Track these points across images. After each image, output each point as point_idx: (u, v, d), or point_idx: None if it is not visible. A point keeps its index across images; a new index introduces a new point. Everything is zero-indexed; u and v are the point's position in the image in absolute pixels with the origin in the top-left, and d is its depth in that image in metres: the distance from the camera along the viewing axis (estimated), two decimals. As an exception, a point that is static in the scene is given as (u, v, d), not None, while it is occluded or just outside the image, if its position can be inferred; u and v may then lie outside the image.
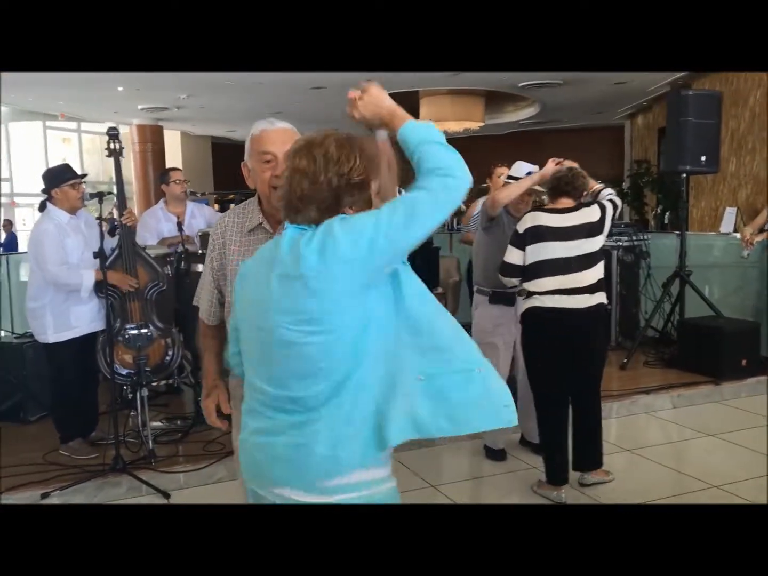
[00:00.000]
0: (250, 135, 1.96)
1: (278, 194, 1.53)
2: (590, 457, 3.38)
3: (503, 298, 3.69)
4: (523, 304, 3.31)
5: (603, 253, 3.33)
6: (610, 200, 3.38)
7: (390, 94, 1.56)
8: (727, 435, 4.17)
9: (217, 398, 1.94)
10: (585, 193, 3.37)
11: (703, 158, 5.35)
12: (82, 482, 3.37)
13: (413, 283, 1.43)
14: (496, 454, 3.86)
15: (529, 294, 3.27)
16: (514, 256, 3.28)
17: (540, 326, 3.24)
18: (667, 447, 4.13)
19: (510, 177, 3.80)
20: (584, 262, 3.21)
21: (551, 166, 3.44)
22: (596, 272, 3.25)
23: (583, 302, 3.19)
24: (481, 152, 13.78)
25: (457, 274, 6.71)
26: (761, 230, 5.49)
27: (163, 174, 4.79)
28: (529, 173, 3.64)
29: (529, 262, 3.24)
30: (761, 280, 5.68)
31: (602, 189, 3.49)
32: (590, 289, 3.21)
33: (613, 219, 3.35)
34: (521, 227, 3.29)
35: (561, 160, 3.46)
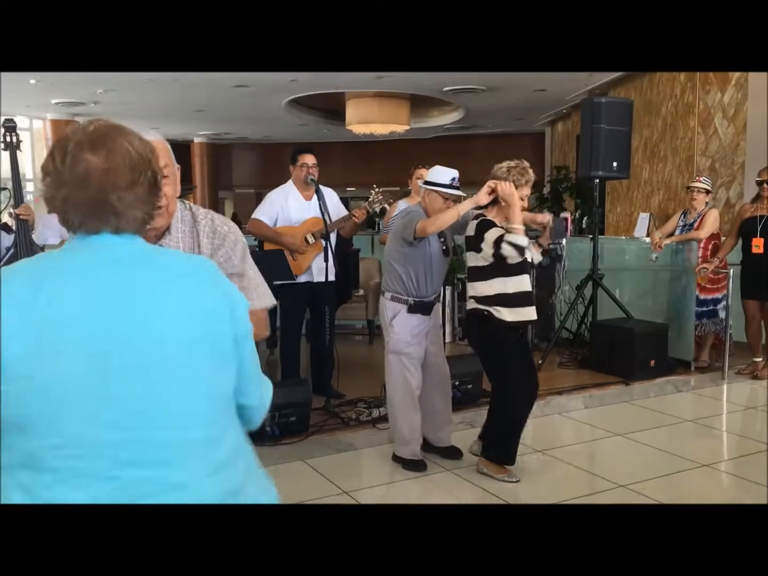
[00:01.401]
0: None
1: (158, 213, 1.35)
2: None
3: (422, 307, 3.65)
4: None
5: (488, 269, 3.41)
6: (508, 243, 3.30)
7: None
8: (636, 435, 4.28)
9: None
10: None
11: (615, 164, 5.50)
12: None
13: None
14: (416, 465, 3.71)
15: None
16: None
17: None
18: (578, 447, 4.20)
19: (429, 183, 3.60)
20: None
21: (485, 193, 3.37)
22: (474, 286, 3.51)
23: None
24: (407, 155, 13.92)
25: (378, 275, 6.70)
26: (670, 235, 5.70)
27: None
28: (453, 179, 3.55)
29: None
30: (669, 283, 5.88)
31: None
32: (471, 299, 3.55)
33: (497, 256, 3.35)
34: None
35: (495, 185, 3.37)
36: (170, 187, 1.67)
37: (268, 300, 1.90)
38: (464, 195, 3.63)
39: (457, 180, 3.57)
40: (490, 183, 3.35)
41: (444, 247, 3.68)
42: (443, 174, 3.57)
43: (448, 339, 5.86)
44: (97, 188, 1.13)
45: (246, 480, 1.27)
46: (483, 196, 3.35)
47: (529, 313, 3.50)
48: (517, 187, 3.33)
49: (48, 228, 4.38)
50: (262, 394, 1.33)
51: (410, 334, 3.65)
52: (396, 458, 3.77)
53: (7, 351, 1.06)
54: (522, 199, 3.38)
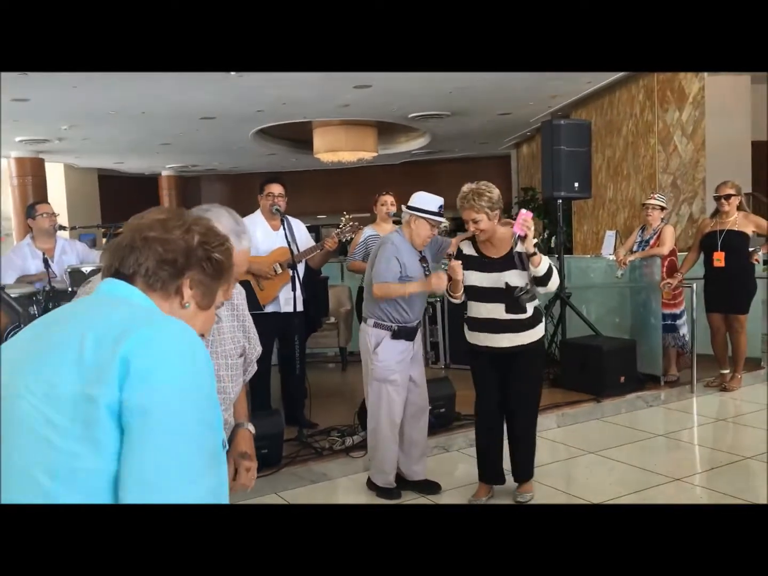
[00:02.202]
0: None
1: None
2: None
3: (406, 332, 3.61)
4: (542, 321, 3.57)
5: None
6: None
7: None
8: (608, 452, 4.31)
9: None
10: None
11: (576, 184, 5.59)
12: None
13: None
14: (390, 493, 3.70)
15: (541, 314, 3.61)
16: None
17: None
18: (553, 467, 4.21)
19: (415, 209, 3.52)
20: None
21: (456, 243, 3.57)
22: None
23: None
24: (376, 182, 13.99)
25: (349, 302, 6.69)
26: (632, 252, 5.79)
27: (29, 208, 4.54)
28: (440, 207, 3.52)
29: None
30: (635, 299, 5.96)
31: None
32: None
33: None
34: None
35: (470, 235, 3.46)
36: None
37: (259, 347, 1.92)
38: (447, 223, 3.70)
39: (442, 207, 3.56)
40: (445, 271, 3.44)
41: (427, 272, 3.60)
42: (430, 201, 3.52)
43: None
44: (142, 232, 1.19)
45: None
46: (441, 284, 3.42)
47: (487, 339, 3.47)
48: (476, 211, 3.32)
49: (10, 268, 4.32)
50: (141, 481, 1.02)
51: (395, 360, 3.59)
52: (370, 484, 3.76)
53: None
54: (476, 222, 3.33)
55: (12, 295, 3.59)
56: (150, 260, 1.16)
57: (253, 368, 1.87)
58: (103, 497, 1.02)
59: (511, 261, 3.34)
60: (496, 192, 3.36)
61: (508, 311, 3.39)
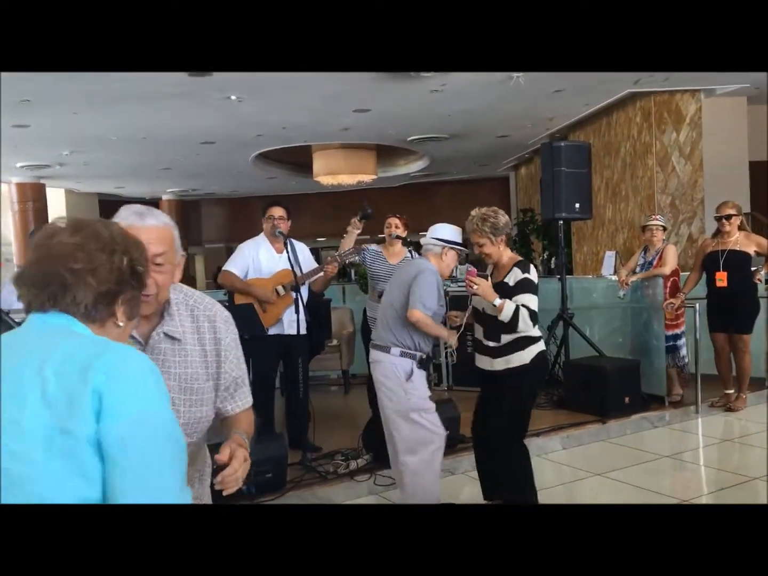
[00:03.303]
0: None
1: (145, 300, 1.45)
2: None
3: (427, 362, 3.58)
4: (532, 349, 3.42)
5: None
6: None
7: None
8: (614, 473, 4.28)
9: None
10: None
11: (577, 205, 5.62)
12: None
13: None
14: None
15: (535, 339, 3.44)
16: (536, 305, 3.39)
17: (546, 368, 3.62)
18: (558, 489, 4.18)
19: (447, 240, 3.55)
20: None
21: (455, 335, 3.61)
22: None
23: None
24: (376, 204, 14.00)
25: (351, 325, 6.68)
26: (634, 272, 5.80)
27: (31, 234, 4.55)
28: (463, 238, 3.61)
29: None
30: (638, 319, 5.96)
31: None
32: None
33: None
34: (534, 279, 3.40)
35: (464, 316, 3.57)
36: (165, 275, 1.63)
37: (250, 398, 1.89)
38: (468, 251, 3.81)
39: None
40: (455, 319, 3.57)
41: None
42: (455, 233, 3.59)
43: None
44: (53, 262, 1.13)
45: None
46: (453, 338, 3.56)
47: (476, 358, 3.59)
48: (479, 236, 3.41)
49: (13, 293, 4.33)
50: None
51: (425, 387, 3.54)
52: None
53: None
54: (480, 246, 3.42)
55: (17, 321, 3.58)
56: (87, 297, 1.15)
57: (243, 398, 1.83)
58: None
59: (498, 288, 3.37)
60: (502, 218, 3.43)
61: (484, 336, 3.50)
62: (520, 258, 3.53)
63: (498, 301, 3.29)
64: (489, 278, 3.42)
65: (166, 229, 1.65)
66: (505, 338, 3.39)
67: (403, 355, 3.47)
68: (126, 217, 1.62)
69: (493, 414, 3.51)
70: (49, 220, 10.64)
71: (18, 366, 1.08)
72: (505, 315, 3.29)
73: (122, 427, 1.05)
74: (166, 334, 1.67)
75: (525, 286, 3.35)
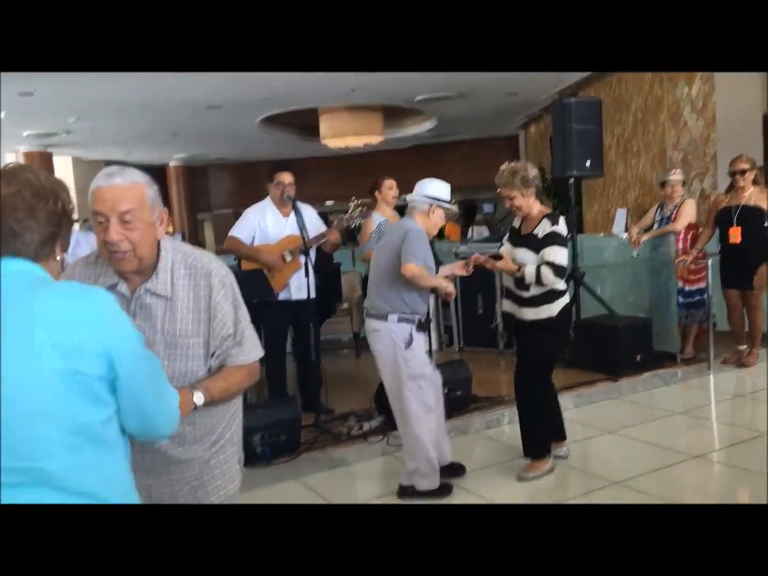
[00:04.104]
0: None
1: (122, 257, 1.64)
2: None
3: (425, 324, 3.55)
4: (559, 302, 3.52)
5: None
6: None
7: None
8: (626, 431, 4.29)
9: None
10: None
11: (588, 163, 5.54)
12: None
13: None
14: (442, 489, 3.47)
15: (562, 293, 3.54)
16: (565, 257, 3.46)
17: (569, 321, 3.70)
18: (570, 447, 4.19)
19: (434, 198, 3.47)
20: None
21: (461, 267, 3.62)
22: None
23: None
24: (383, 166, 13.94)
25: (360, 288, 6.68)
26: (648, 229, 5.74)
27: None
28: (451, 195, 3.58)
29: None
30: (650, 277, 5.92)
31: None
32: None
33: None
34: (563, 231, 3.47)
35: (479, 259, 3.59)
36: (138, 232, 1.67)
37: (259, 348, 1.92)
38: (457, 211, 3.75)
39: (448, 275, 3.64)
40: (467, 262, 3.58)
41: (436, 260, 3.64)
42: (445, 189, 3.52)
43: (434, 347, 5.85)
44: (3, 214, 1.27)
45: None
46: (459, 269, 3.61)
47: (506, 305, 3.76)
48: (510, 188, 3.51)
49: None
50: (155, 423, 1.40)
51: (424, 353, 3.54)
52: (416, 493, 3.44)
53: None
54: (511, 199, 3.52)
55: None
56: (34, 242, 1.31)
57: (235, 356, 1.84)
58: (117, 440, 1.33)
59: (527, 240, 3.53)
60: (532, 171, 3.51)
61: (515, 285, 3.60)
62: (550, 210, 3.61)
63: (518, 272, 3.48)
64: (504, 255, 3.57)
65: (135, 187, 1.69)
66: (534, 289, 3.51)
67: (401, 320, 3.39)
68: (95, 180, 1.70)
69: (519, 363, 3.72)
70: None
71: (14, 321, 1.22)
72: (529, 278, 3.44)
73: (123, 364, 1.27)
74: (148, 290, 1.74)
75: (553, 238, 3.45)
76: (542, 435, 3.70)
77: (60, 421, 1.22)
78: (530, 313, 3.54)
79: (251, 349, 1.87)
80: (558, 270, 3.41)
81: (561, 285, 3.52)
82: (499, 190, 3.60)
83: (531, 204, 3.55)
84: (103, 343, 1.25)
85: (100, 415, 1.26)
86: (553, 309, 3.52)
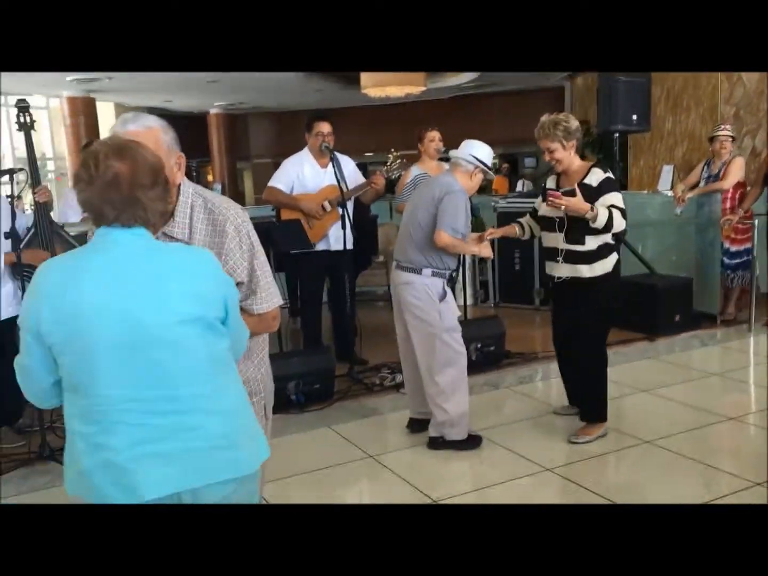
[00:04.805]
0: None
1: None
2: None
3: (453, 279, 3.56)
4: (613, 257, 3.40)
5: None
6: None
7: None
8: (661, 390, 4.26)
9: None
10: None
11: (635, 117, 5.38)
12: (8, 472, 3.25)
13: None
14: (475, 439, 3.53)
15: (614, 247, 3.41)
16: (623, 202, 3.33)
17: (619, 277, 3.52)
18: (603, 404, 4.19)
19: (480, 161, 3.44)
20: None
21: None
22: None
23: None
24: (424, 117, 13.70)
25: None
26: (694, 187, 5.59)
27: (84, 147, 4.60)
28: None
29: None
30: (694, 236, 5.79)
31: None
32: None
33: None
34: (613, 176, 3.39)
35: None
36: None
37: (276, 299, 1.93)
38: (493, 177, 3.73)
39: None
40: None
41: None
42: (490, 155, 3.50)
43: (469, 302, 5.84)
44: (127, 188, 1.43)
45: (242, 430, 1.56)
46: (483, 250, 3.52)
47: (550, 268, 3.54)
48: (551, 140, 3.37)
49: (69, 207, 4.42)
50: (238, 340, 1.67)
51: (455, 306, 3.53)
52: (446, 443, 3.50)
53: (51, 335, 1.41)
54: (551, 151, 3.37)
55: (71, 234, 3.68)
56: (155, 215, 1.50)
57: (255, 302, 1.88)
58: (232, 362, 1.61)
59: (574, 193, 3.29)
60: (574, 123, 3.38)
61: (566, 241, 3.39)
62: (593, 162, 3.50)
63: (590, 213, 3.21)
64: (577, 191, 3.26)
65: (150, 132, 1.73)
66: (590, 242, 3.34)
67: (434, 275, 3.40)
68: (112, 127, 1.76)
69: (575, 322, 3.50)
70: (101, 135, 10.88)
71: (153, 273, 1.45)
72: (600, 222, 3.22)
73: (231, 309, 1.56)
74: (165, 234, 1.79)
75: (610, 184, 3.35)
76: (604, 398, 3.57)
77: (201, 353, 1.47)
78: (586, 270, 3.37)
79: (264, 299, 1.89)
80: (624, 213, 3.29)
81: (612, 239, 3.40)
82: (539, 142, 3.44)
83: (572, 157, 3.41)
84: (221, 291, 1.52)
85: (224, 344, 1.54)
86: (608, 264, 3.38)
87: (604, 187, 3.30)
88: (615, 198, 3.29)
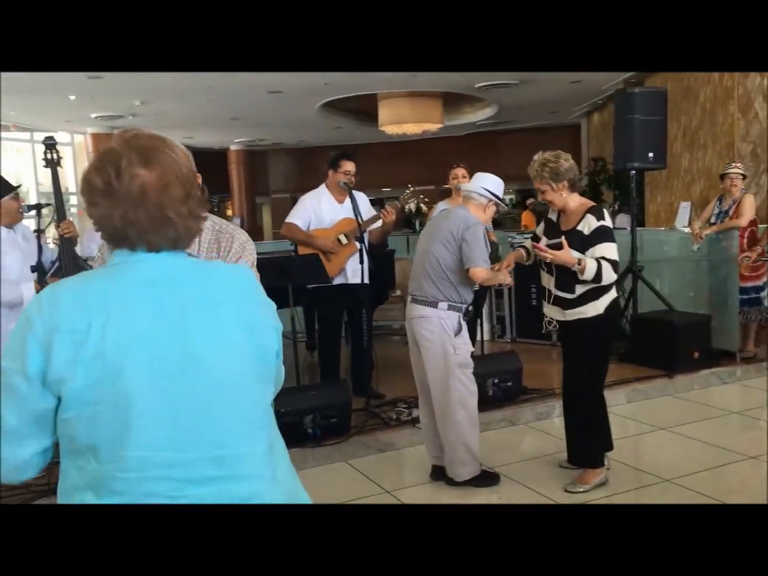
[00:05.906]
0: None
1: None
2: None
3: (467, 313, 3.55)
4: (606, 297, 3.28)
5: None
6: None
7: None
8: (680, 428, 4.22)
9: None
10: None
11: (651, 155, 5.42)
12: (27, 503, 3.27)
13: None
14: (492, 476, 3.54)
15: (608, 288, 3.28)
16: (616, 252, 3.25)
17: (620, 316, 3.40)
18: (622, 442, 4.13)
19: (493, 194, 3.46)
20: None
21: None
22: None
23: None
24: (441, 154, 13.88)
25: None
26: (709, 223, 5.59)
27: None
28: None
29: None
30: (711, 273, 5.77)
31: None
32: None
33: None
34: (610, 223, 3.28)
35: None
36: None
37: None
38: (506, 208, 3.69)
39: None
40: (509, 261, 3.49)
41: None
42: (501, 187, 3.51)
43: (486, 337, 5.84)
44: (156, 204, 1.13)
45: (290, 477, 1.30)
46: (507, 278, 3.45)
47: (546, 308, 3.46)
48: (539, 182, 3.29)
49: (92, 241, 4.50)
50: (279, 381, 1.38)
51: (470, 342, 3.51)
52: (459, 483, 3.46)
53: (66, 381, 1.06)
54: (542, 192, 3.31)
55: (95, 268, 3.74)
56: (188, 236, 1.21)
57: None
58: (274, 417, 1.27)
59: (570, 237, 3.25)
60: (564, 163, 3.25)
61: (556, 286, 3.35)
62: (591, 203, 3.35)
63: (577, 266, 3.16)
64: (564, 244, 3.21)
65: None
66: (579, 289, 3.26)
67: (450, 308, 3.39)
68: None
69: (569, 367, 3.45)
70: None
71: (203, 298, 1.17)
72: (588, 274, 3.16)
73: (280, 338, 1.29)
74: None
75: (603, 234, 3.21)
76: (598, 443, 3.46)
77: (255, 397, 1.19)
78: (575, 314, 3.29)
79: None
80: (615, 266, 3.20)
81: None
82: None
83: (565, 198, 3.29)
84: (273, 317, 1.26)
85: (272, 387, 1.26)
86: (599, 305, 3.28)
87: (596, 237, 3.20)
88: (606, 249, 3.19)
